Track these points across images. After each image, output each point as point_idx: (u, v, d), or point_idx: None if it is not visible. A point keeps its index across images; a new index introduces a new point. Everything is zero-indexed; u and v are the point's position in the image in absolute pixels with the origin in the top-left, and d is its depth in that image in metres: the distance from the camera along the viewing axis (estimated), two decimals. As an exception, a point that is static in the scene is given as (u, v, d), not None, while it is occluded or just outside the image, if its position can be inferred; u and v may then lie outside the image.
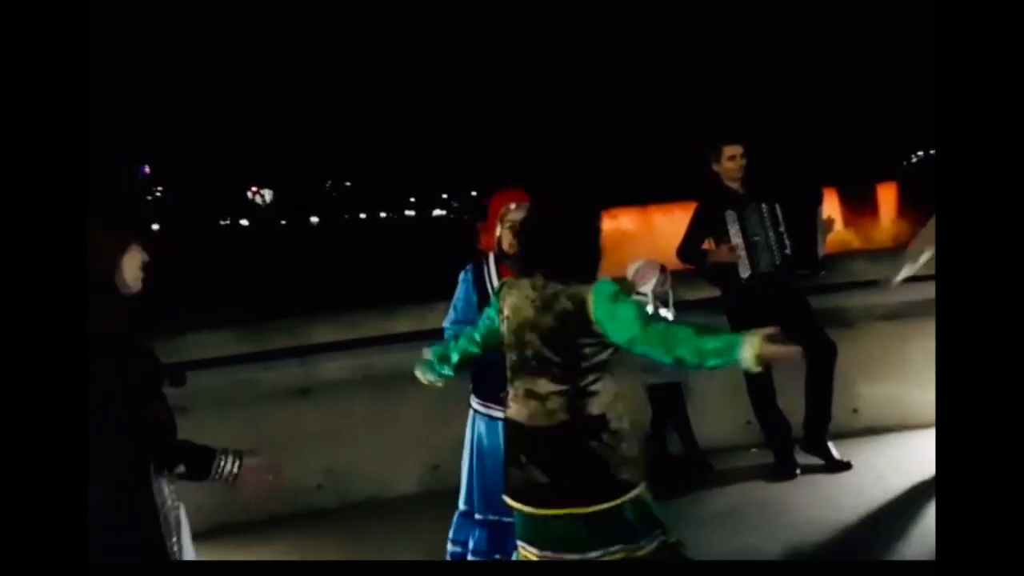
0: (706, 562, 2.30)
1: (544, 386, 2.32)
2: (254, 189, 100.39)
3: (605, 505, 2.24)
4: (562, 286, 2.29)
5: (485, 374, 2.83)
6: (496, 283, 2.90)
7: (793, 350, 2.14)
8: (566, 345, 2.30)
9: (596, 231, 2.46)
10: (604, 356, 2.33)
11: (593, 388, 2.32)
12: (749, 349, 2.07)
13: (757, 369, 2.11)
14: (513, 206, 2.97)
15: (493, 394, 2.85)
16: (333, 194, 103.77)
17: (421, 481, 4.36)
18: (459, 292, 3.10)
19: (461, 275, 3.11)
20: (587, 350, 2.30)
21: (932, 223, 3.60)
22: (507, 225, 2.96)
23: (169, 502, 1.91)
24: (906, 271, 3.81)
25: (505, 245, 2.99)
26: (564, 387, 2.30)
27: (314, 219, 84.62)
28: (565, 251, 2.34)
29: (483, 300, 2.92)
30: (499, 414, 2.73)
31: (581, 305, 2.26)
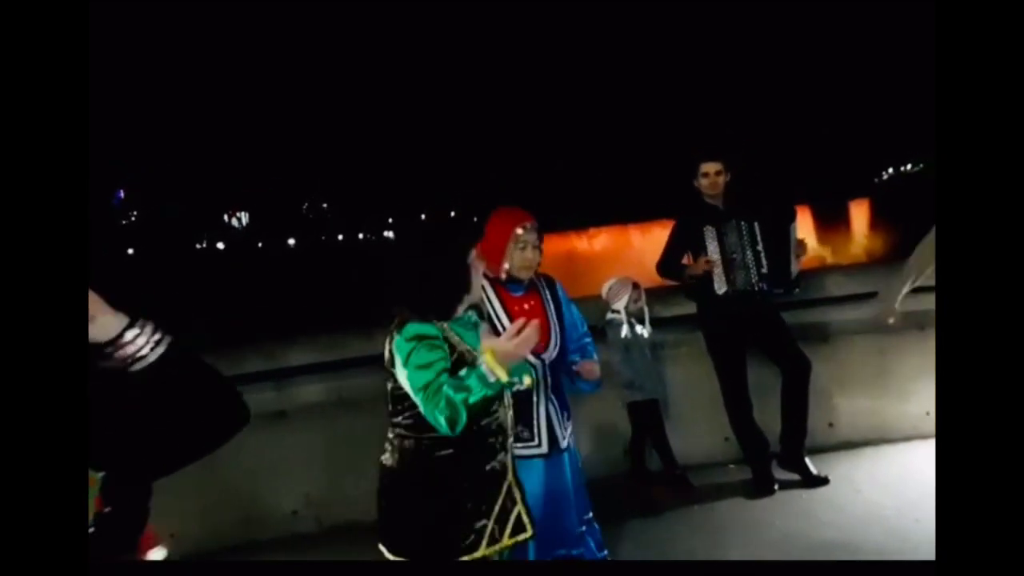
0: (706, 562, 2.28)
1: (389, 429, 2.25)
2: (230, 212, 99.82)
3: (399, 558, 2.15)
4: (393, 328, 2.18)
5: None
6: (499, 309, 2.84)
7: (523, 334, 2.04)
8: (388, 390, 2.21)
9: (439, 271, 2.19)
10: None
11: (413, 436, 2.17)
12: (484, 361, 2.00)
13: (504, 376, 2.00)
14: (528, 225, 2.87)
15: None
16: (310, 216, 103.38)
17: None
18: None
19: None
20: (400, 395, 2.16)
21: (928, 240, 3.56)
22: (519, 247, 2.85)
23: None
24: (906, 289, 3.71)
25: (516, 268, 2.88)
26: (392, 432, 2.23)
27: (291, 241, 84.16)
28: (398, 291, 2.19)
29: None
30: (522, 451, 2.65)
31: (388, 351, 2.17)
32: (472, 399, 1.99)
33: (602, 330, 4.35)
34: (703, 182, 4.22)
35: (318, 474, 4.27)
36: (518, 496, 2.23)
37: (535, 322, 2.09)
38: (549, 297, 3.01)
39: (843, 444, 4.48)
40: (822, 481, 4.08)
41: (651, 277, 4.50)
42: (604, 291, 4.37)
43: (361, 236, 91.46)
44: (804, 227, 4.38)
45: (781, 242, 4.17)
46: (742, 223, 4.16)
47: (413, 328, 2.10)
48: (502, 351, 2.02)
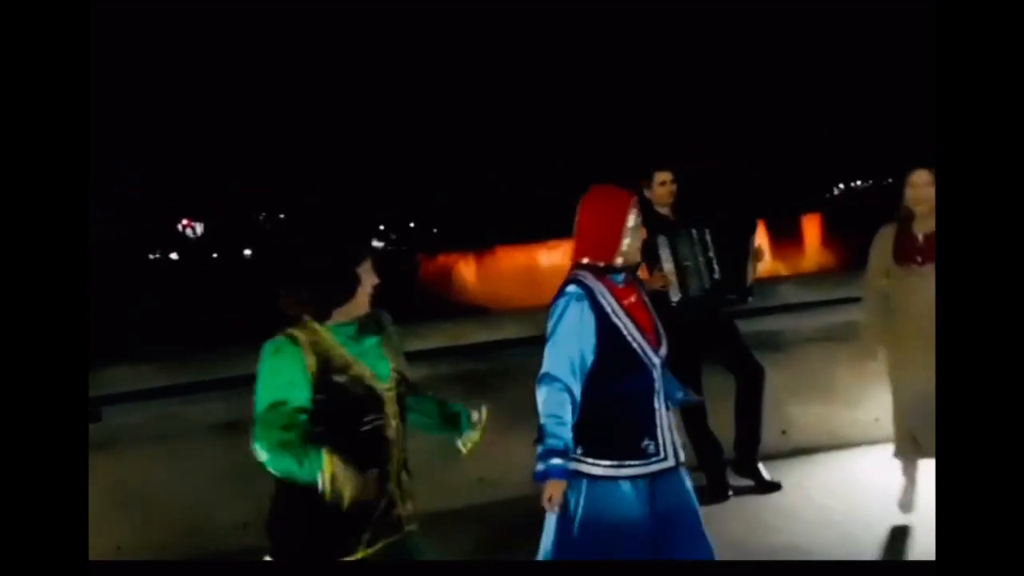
0: (704, 562, 2.27)
1: None
2: (185, 222, 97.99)
3: (277, 560, 2.18)
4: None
5: (616, 429, 2.43)
6: (613, 303, 2.43)
7: (347, 475, 2.03)
8: None
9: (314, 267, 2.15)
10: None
11: None
12: (324, 461, 2.01)
13: (327, 485, 2.01)
14: (637, 202, 2.52)
15: (630, 448, 2.42)
16: (267, 226, 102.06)
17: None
18: (571, 326, 2.39)
19: (564, 302, 2.42)
20: None
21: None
22: (635, 228, 2.48)
23: None
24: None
25: (633, 253, 2.50)
26: None
27: (247, 251, 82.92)
28: (282, 285, 2.16)
29: (602, 329, 2.40)
30: (632, 471, 2.40)
31: None
32: (291, 467, 2.02)
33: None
34: (659, 191, 4.25)
35: (268, 486, 4.17)
36: (397, 498, 2.22)
37: (357, 481, 2.04)
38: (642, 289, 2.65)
39: (796, 451, 4.53)
40: (775, 487, 4.12)
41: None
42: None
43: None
44: (761, 240, 4.44)
45: (736, 249, 4.22)
46: (693, 231, 4.20)
47: (275, 343, 2.10)
48: (337, 470, 2.01)
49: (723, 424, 4.26)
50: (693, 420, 4.25)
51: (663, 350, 2.50)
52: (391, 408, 2.22)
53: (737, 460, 4.28)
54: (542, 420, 2.37)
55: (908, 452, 3.60)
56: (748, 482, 4.19)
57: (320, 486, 2.01)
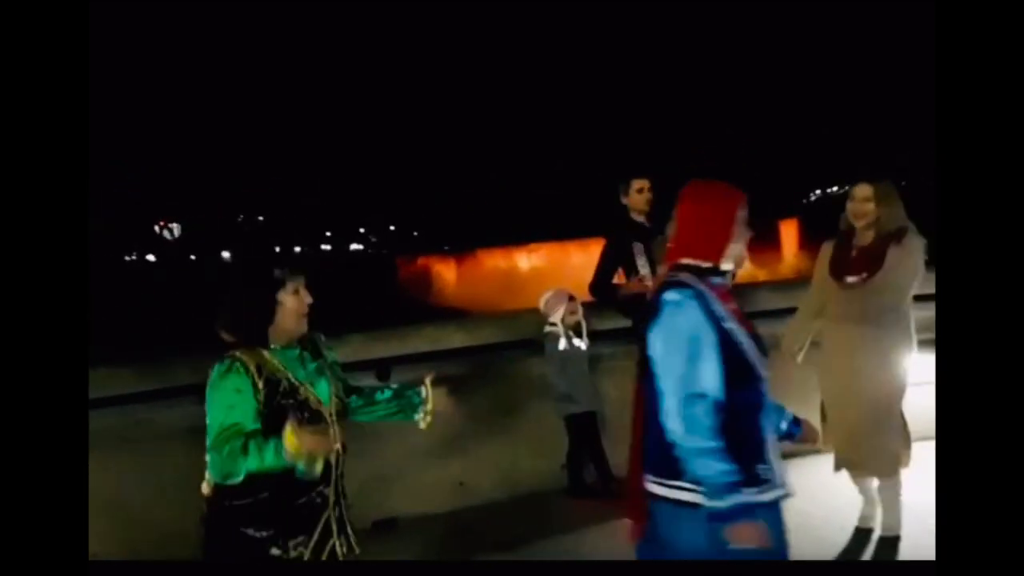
0: (704, 562, 2.26)
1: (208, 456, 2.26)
2: (162, 223, 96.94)
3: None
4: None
5: (743, 450, 2.07)
6: (720, 309, 2.11)
7: (316, 439, 2.05)
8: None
9: (252, 297, 2.20)
10: None
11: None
12: (285, 435, 2.01)
13: (299, 457, 2.02)
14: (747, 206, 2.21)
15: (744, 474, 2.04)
16: (246, 228, 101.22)
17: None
18: (699, 330, 2.07)
19: (683, 305, 2.09)
20: None
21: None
22: (744, 229, 2.20)
23: None
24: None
25: (741, 255, 2.22)
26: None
27: (226, 254, 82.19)
28: (220, 317, 2.22)
29: (718, 335, 2.08)
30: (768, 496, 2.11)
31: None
32: (256, 466, 2.04)
33: (540, 343, 4.36)
34: (635, 197, 4.28)
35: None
36: (334, 529, 2.25)
37: (332, 433, 2.12)
38: None
39: (773, 455, 4.56)
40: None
41: (587, 292, 4.54)
42: (541, 304, 4.39)
43: (298, 249, 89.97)
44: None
45: None
46: (665, 238, 4.23)
47: (223, 366, 2.14)
48: (298, 436, 2.01)
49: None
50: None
51: (767, 362, 2.19)
52: (334, 432, 2.24)
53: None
54: (708, 447, 1.99)
55: (843, 467, 3.57)
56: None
57: (288, 459, 2.00)
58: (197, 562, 2.14)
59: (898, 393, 3.38)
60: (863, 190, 3.36)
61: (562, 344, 4.24)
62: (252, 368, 2.12)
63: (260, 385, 2.11)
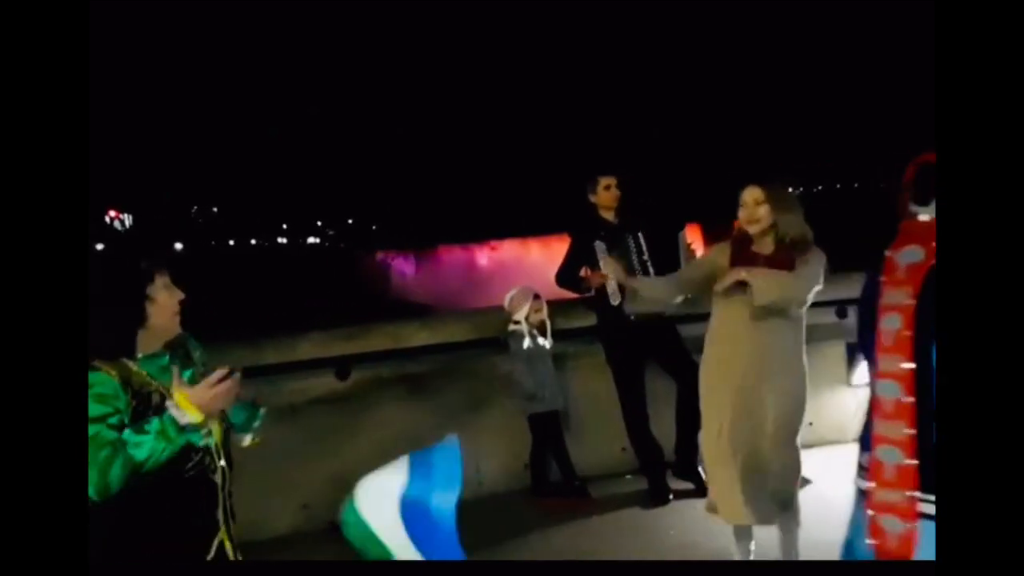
0: (704, 562, 2.22)
1: None
2: (113, 213, 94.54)
3: None
4: None
5: None
6: None
7: (224, 385, 1.87)
8: None
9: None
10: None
11: None
12: (175, 404, 1.83)
13: (197, 417, 1.83)
14: None
15: None
16: (199, 220, 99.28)
17: (292, 521, 4.14)
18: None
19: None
20: None
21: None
22: None
23: None
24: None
25: None
26: None
27: (178, 245, 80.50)
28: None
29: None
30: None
31: None
32: (140, 456, 1.78)
33: (504, 341, 4.32)
34: (603, 195, 4.28)
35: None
36: (230, 553, 2.02)
37: (237, 375, 1.87)
38: None
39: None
40: (714, 490, 4.15)
41: (552, 290, 4.52)
42: (506, 302, 4.36)
43: (254, 242, 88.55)
44: (693, 239, 4.49)
45: (669, 251, 4.27)
46: (628, 235, 4.25)
47: (90, 377, 1.83)
48: (197, 399, 1.82)
49: (665, 428, 4.30)
50: (635, 424, 4.28)
51: None
52: (215, 448, 1.99)
53: (678, 463, 4.33)
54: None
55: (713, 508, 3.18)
56: (689, 485, 4.24)
57: (187, 427, 1.80)
58: (199, 562, 1.97)
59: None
60: (753, 193, 3.07)
61: (526, 342, 4.21)
62: (120, 379, 1.84)
63: (129, 397, 1.84)
